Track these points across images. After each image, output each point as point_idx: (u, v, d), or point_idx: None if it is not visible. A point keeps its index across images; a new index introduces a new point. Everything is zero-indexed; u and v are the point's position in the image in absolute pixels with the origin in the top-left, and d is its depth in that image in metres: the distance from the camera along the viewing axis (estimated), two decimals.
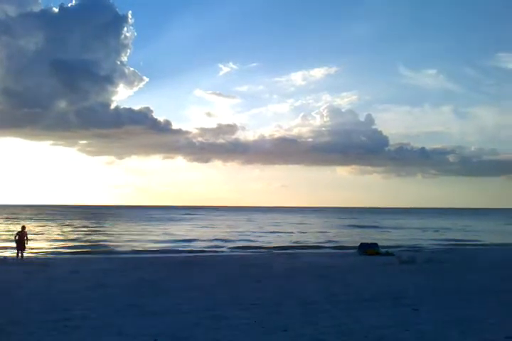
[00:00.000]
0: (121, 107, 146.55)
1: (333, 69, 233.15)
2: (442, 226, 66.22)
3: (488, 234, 50.27)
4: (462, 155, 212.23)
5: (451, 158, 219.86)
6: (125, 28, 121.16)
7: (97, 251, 28.19)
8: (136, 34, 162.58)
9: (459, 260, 21.30)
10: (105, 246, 31.83)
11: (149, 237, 40.37)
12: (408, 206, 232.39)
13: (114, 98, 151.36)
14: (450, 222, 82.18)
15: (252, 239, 40.43)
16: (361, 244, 26.69)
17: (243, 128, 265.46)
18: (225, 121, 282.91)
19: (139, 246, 31.70)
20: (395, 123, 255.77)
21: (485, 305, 10.44)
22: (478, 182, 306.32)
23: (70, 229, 51.73)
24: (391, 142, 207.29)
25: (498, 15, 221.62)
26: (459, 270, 17.39)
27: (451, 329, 8.02)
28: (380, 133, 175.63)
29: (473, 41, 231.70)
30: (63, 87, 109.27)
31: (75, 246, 31.39)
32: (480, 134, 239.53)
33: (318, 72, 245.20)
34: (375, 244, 26.39)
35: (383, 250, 25.41)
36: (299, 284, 13.43)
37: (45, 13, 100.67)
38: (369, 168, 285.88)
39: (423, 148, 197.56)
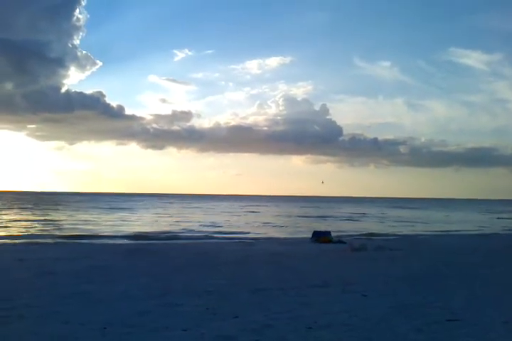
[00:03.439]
0: (73, 91, 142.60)
1: (288, 59, 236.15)
2: (393, 214, 68.13)
3: (436, 222, 52.09)
4: (413, 146, 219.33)
5: (402, 148, 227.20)
6: (77, 10, 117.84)
7: (44, 238, 27.13)
8: (89, 16, 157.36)
9: (408, 247, 21.95)
10: (52, 233, 30.76)
11: (100, 224, 39.56)
12: (361, 195, 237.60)
13: (65, 81, 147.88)
14: (400, 211, 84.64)
15: (204, 226, 40.32)
16: (314, 231, 27.16)
17: (198, 116, 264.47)
18: (179, 108, 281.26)
19: (88, 233, 30.86)
20: (349, 113, 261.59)
21: (430, 290, 10.80)
22: (428, 173, 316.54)
23: (15, 216, 49.91)
24: (345, 132, 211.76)
25: (450, 10, 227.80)
26: (407, 257, 17.93)
27: (398, 314, 8.26)
28: (334, 123, 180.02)
29: (426, 35, 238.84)
30: (10, 68, 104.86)
31: (20, 233, 30.35)
32: (430, 126, 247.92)
33: (273, 61, 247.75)
34: (328, 232, 26.90)
35: (336, 238, 25.90)
36: (251, 271, 13.48)
37: None
38: (323, 157, 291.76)
39: (375, 139, 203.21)
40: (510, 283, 11.96)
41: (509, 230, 41.29)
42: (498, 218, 61.90)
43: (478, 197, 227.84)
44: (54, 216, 51.01)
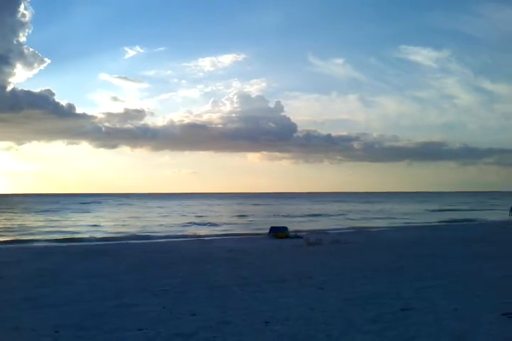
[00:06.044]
0: (19, 89, 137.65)
1: (241, 56, 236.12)
2: (347, 209, 69.42)
3: (388, 215, 53.46)
4: (366, 142, 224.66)
5: (355, 144, 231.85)
6: (22, 5, 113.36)
7: None
8: (34, 12, 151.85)
9: (363, 241, 22.41)
10: None
11: (49, 226, 38.31)
12: (316, 191, 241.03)
13: (10, 80, 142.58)
14: (355, 205, 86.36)
15: (160, 225, 39.82)
16: (271, 227, 27.31)
17: (152, 114, 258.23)
18: (132, 106, 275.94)
19: (36, 236, 29.78)
20: (303, 110, 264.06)
21: (384, 281, 11.05)
22: (381, 168, 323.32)
23: None
24: (299, 129, 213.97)
25: (400, 9, 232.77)
26: (362, 250, 18.30)
27: (353, 305, 8.40)
28: (289, 120, 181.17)
29: (378, 33, 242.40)
30: None
31: None
32: (382, 122, 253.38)
33: (226, 59, 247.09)
34: (285, 228, 27.11)
35: (292, 233, 26.14)
36: (209, 269, 13.41)
37: None
38: (278, 154, 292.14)
39: (329, 135, 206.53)
40: (457, 272, 12.41)
41: (452, 222, 43.01)
42: (433, 210, 64.14)
43: (430, 190, 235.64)
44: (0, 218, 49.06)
